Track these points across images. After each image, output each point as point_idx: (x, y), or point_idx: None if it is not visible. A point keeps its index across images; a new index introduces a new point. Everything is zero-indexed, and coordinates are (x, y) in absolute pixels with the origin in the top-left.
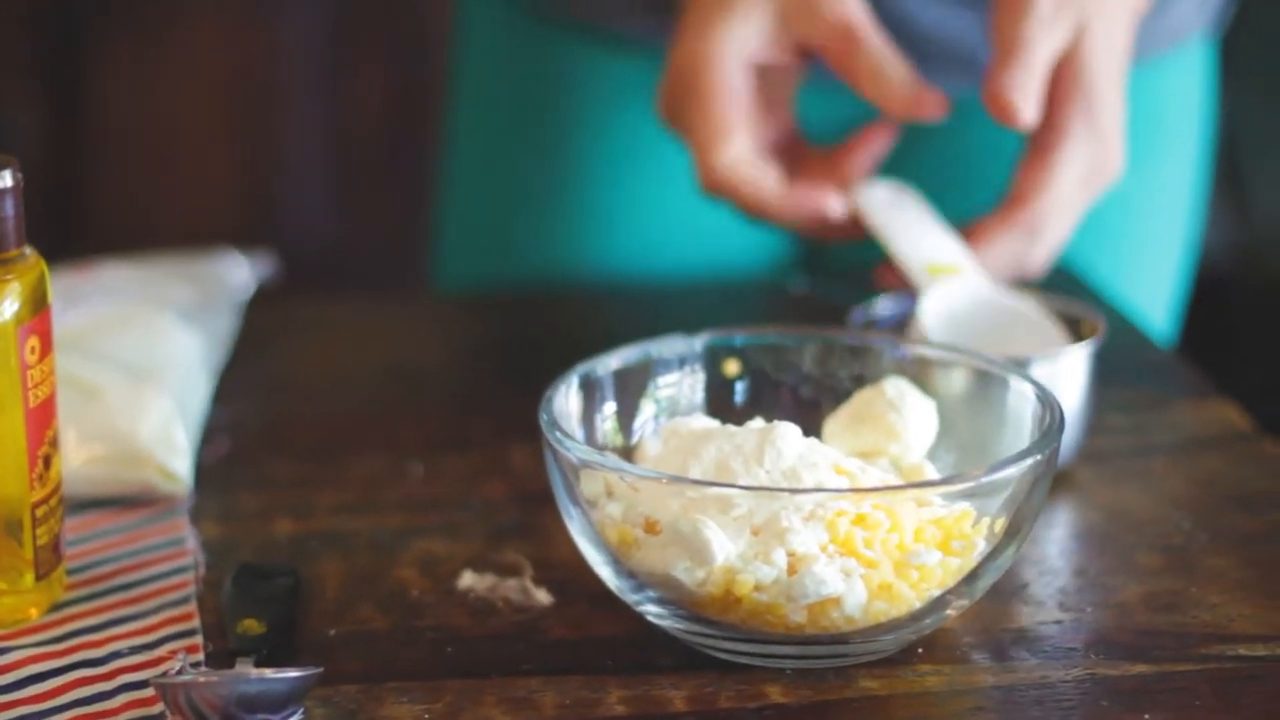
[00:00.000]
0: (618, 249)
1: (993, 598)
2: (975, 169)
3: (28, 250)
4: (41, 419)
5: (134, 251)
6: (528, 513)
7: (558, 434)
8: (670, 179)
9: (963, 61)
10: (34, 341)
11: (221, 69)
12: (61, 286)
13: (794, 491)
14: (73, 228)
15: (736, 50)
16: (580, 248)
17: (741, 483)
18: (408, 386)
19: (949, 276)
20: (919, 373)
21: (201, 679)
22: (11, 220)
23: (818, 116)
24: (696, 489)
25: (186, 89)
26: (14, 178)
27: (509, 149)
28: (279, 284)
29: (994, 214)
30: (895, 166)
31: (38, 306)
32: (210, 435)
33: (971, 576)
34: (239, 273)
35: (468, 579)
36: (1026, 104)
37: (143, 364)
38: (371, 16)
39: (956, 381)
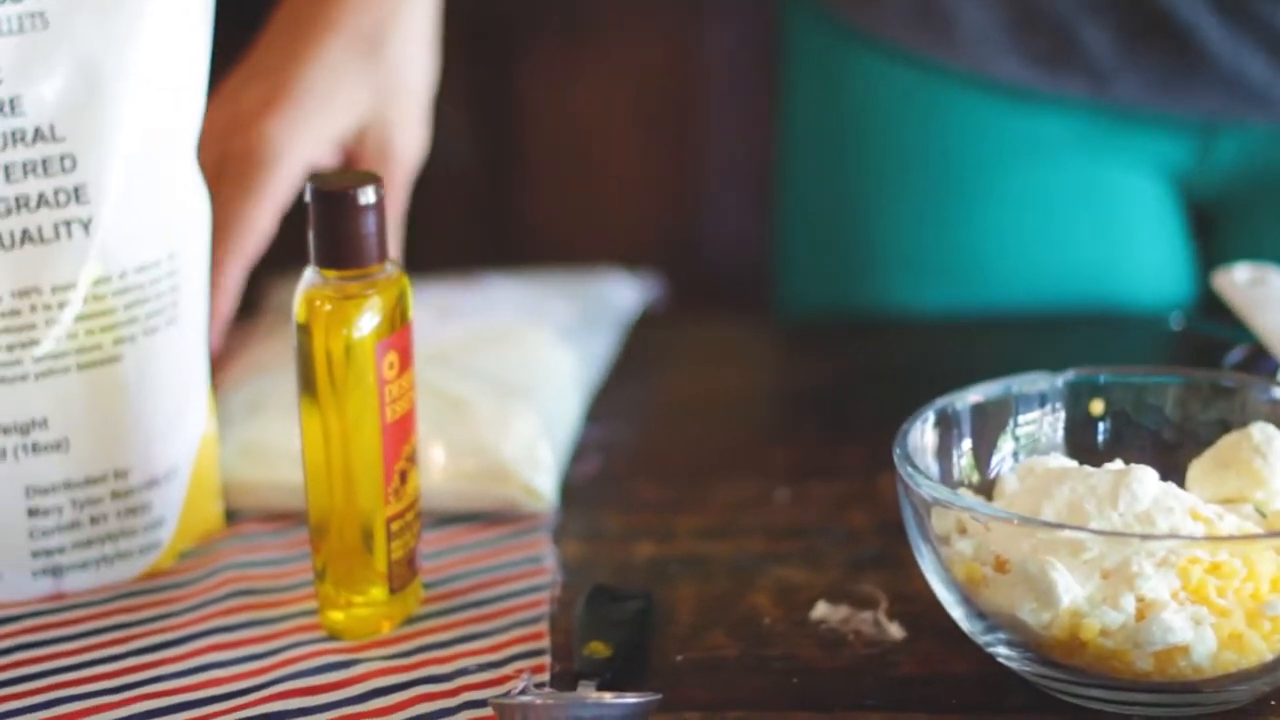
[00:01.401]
0: (965, 283)
1: None
2: None
3: (389, 266)
4: (398, 434)
5: (564, 261)
6: (890, 543)
7: (910, 469)
8: (1028, 208)
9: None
10: (392, 357)
11: (647, 80)
12: (443, 300)
13: (1145, 537)
14: (504, 237)
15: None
16: (926, 282)
17: (1094, 525)
18: (781, 411)
19: None
20: None
21: (538, 700)
22: (374, 236)
23: None
24: (1047, 530)
25: (611, 100)
26: (377, 194)
27: (846, 180)
28: (674, 301)
29: None
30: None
31: (398, 322)
32: (581, 454)
33: None
34: (625, 293)
35: (821, 609)
36: None
37: (513, 380)
38: None
39: None
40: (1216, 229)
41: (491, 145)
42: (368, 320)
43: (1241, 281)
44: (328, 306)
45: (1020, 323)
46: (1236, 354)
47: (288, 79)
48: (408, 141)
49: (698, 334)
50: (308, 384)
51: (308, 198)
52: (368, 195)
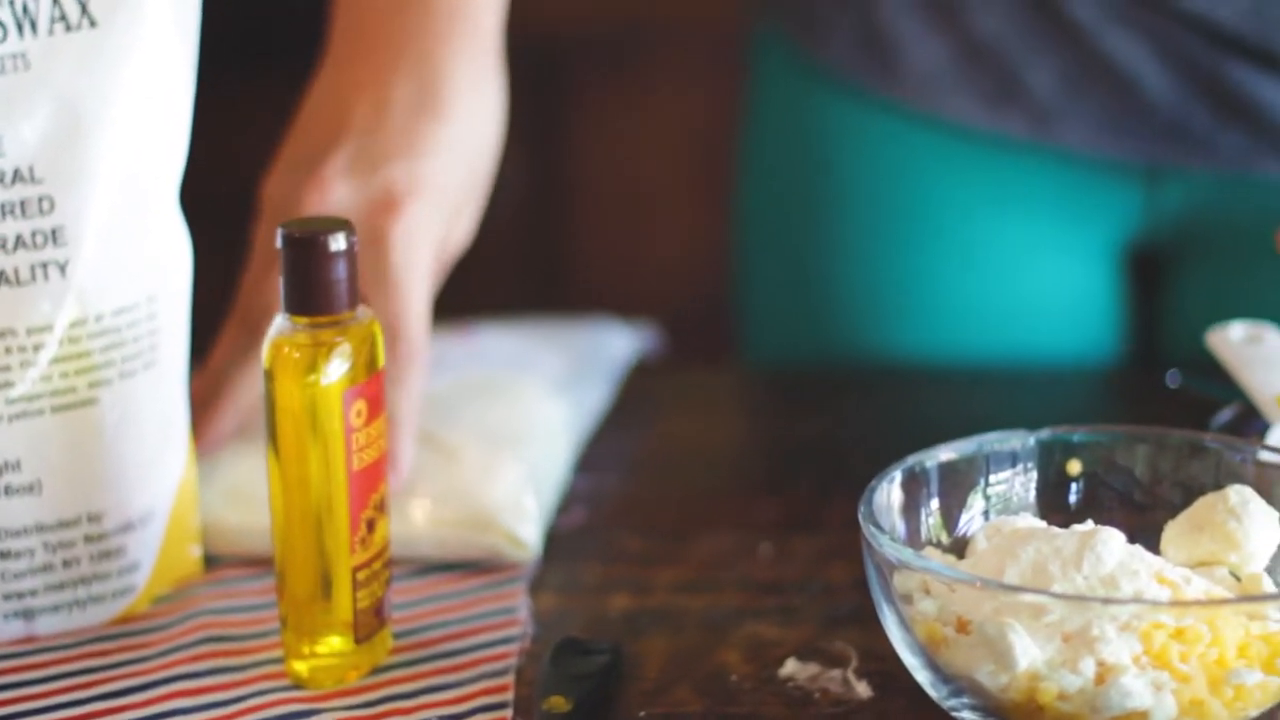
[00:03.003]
0: (927, 331)
1: None
2: None
3: (360, 312)
4: (366, 483)
5: (614, 308)
6: (867, 599)
7: (873, 528)
8: (981, 259)
9: (1199, 145)
10: (360, 405)
11: (695, 129)
12: (434, 350)
13: (1106, 601)
14: (553, 282)
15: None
16: (886, 328)
17: (1057, 588)
18: (772, 462)
19: None
20: (1264, 481)
21: None
22: (344, 283)
23: None
24: (1009, 593)
25: (660, 147)
26: (348, 240)
27: (801, 220)
28: (719, 350)
29: None
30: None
31: (367, 369)
32: (567, 505)
33: None
34: (619, 343)
35: (790, 666)
36: None
37: (502, 430)
38: None
39: None
40: (1164, 277)
41: (540, 192)
42: (336, 367)
43: (1236, 339)
44: (296, 354)
45: (1013, 376)
46: (1226, 414)
47: (426, 162)
48: (469, 227)
49: (693, 382)
50: (271, 430)
51: (278, 244)
52: (338, 242)
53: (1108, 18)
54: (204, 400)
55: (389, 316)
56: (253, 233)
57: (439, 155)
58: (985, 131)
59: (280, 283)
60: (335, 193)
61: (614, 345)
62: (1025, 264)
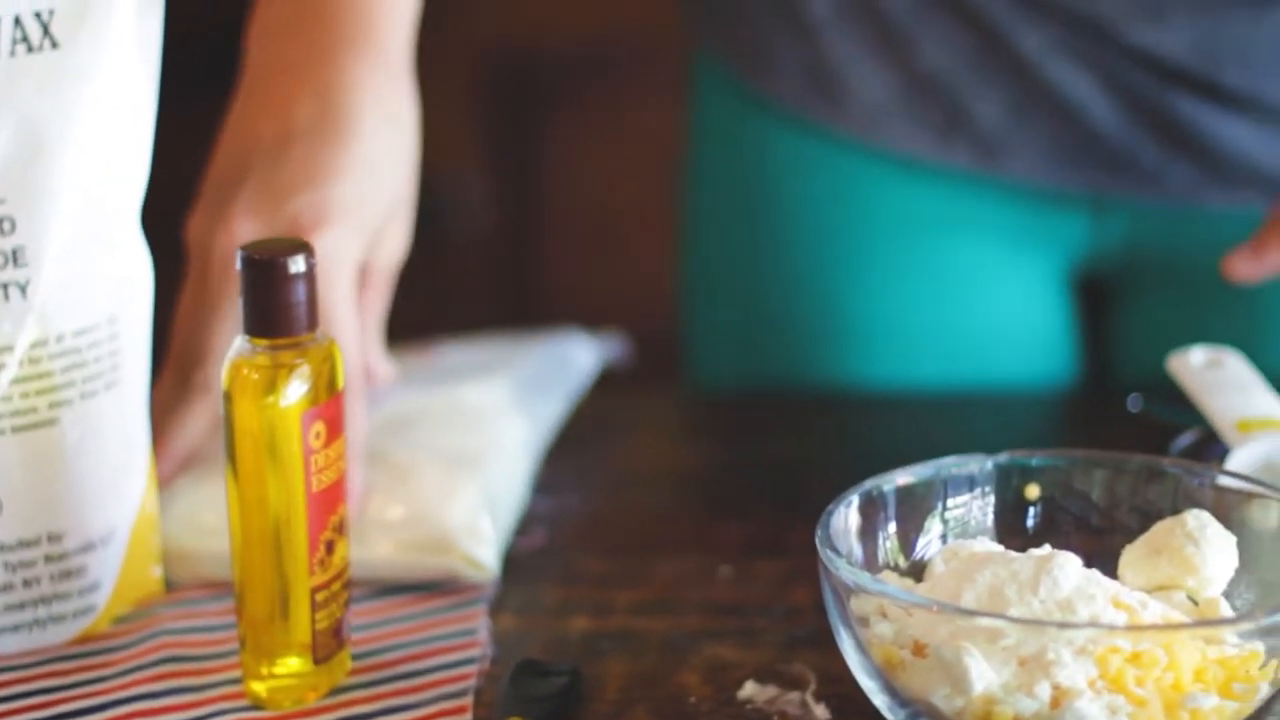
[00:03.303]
0: (875, 360)
1: None
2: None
3: (319, 333)
4: (325, 504)
5: (585, 326)
6: (827, 622)
7: (830, 553)
8: (928, 286)
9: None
10: (319, 427)
11: (666, 146)
12: (396, 365)
13: (1061, 626)
14: (519, 303)
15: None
16: (833, 358)
17: (1013, 612)
18: (735, 484)
19: (1263, 431)
20: (1223, 505)
21: None
22: (303, 305)
23: None
24: (965, 617)
25: (628, 168)
26: (308, 263)
27: (744, 247)
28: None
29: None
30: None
31: (326, 391)
32: (527, 526)
33: None
34: (583, 355)
35: (749, 689)
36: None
37: (461, 450)
38: None
39: (1261, 516)
40: (1112, 304)
41: (512, 211)
42: (295, 389)
43: (1197, 364)
44: (255, 375)
45: (971, 400)
46: (1186, 438)
47: (332, 188)
48: (400, 242)
49: (655, 404)
50: (230, 451)
51: (238, 266)
52: (298, 264)
53: (1054, 50)
54: None
55: None
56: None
57: (345, 178)
58: (934, 164)
59: (239, 304)
60: (242, 232)
61: (578, 356)
62: (974, 291)
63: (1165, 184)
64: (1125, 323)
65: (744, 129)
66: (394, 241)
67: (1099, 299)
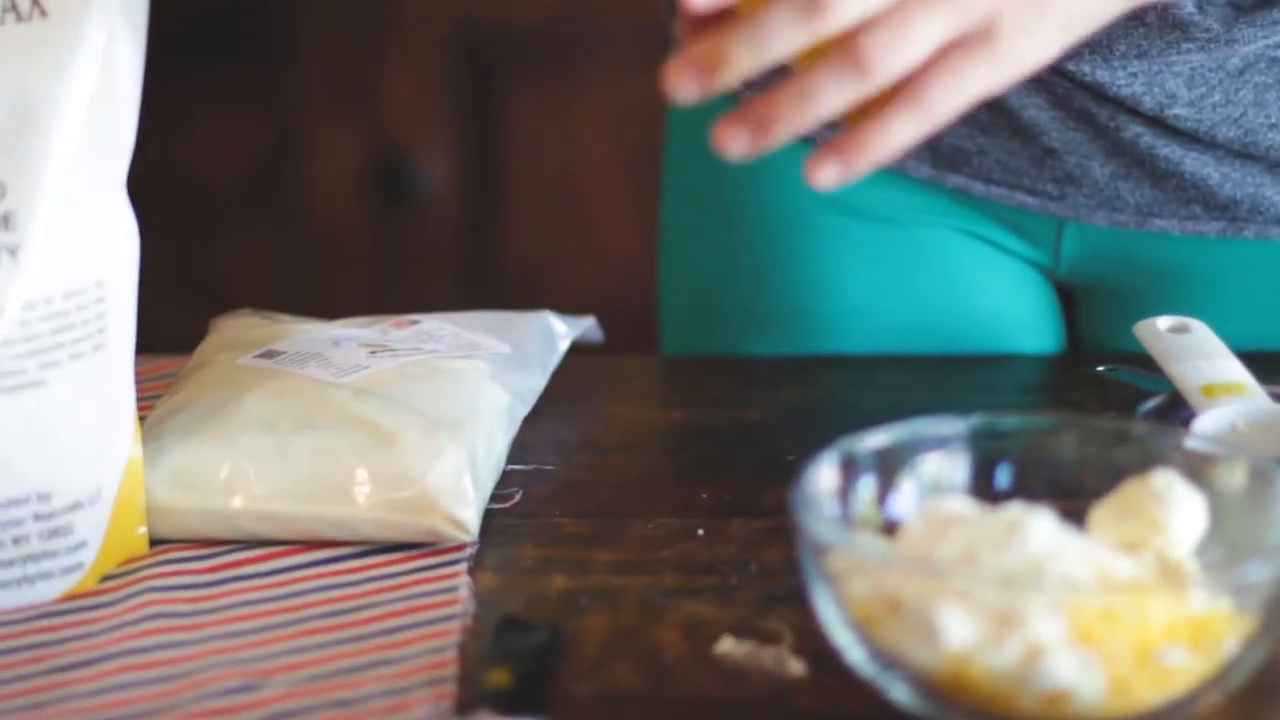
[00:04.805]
0: (844, 346)
1: (1243, 698)
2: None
3: None
4: None
5: (551, 302)
6: (802, 580)
7: (805, 511)
8: (896, 274)
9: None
10: None
11: (631, 117)
12: (376, 336)
13: (1033, 582)
14: (483, 276)
15: None
16: (801, 341)
17: (986, 568)
18: (708, 448)
19: (1229, 396)
20: (1190, 466)
21: None
22: None
23: None
24: (939, 573)
25: (597, 139)
26: None
27: (713, 232)
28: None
29: None
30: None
31: None
32: (505, 487)
33: (1220, 676)
34: (559, 331)
35: (726, 644)
36: None
37: (441, 414)
38: None
39: (1228, 478)
40: (1077, 309)
41: (476, 180)
42: None
43: (1163, 328)
44: None
45: (945, 363)
46: (1152, 402)
47: None
48: None
49: (630, 368)
50: None
51: None
52: None
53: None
54: None
55: None
56: None
57: None
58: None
59: None
60: None
61: (554, 333)
62: (948, 279)
63: (1120, 207)
64: (1090, 327)
65: (715, 109)
66: None
67: (1069, 299)
